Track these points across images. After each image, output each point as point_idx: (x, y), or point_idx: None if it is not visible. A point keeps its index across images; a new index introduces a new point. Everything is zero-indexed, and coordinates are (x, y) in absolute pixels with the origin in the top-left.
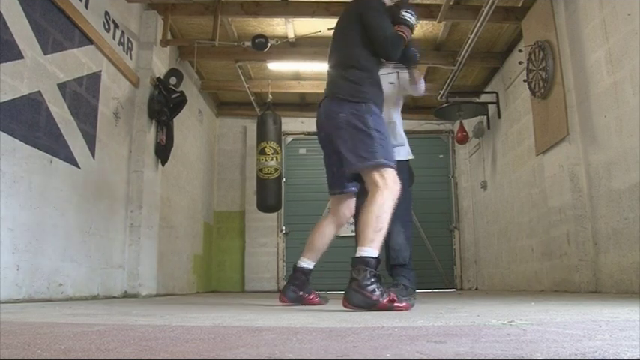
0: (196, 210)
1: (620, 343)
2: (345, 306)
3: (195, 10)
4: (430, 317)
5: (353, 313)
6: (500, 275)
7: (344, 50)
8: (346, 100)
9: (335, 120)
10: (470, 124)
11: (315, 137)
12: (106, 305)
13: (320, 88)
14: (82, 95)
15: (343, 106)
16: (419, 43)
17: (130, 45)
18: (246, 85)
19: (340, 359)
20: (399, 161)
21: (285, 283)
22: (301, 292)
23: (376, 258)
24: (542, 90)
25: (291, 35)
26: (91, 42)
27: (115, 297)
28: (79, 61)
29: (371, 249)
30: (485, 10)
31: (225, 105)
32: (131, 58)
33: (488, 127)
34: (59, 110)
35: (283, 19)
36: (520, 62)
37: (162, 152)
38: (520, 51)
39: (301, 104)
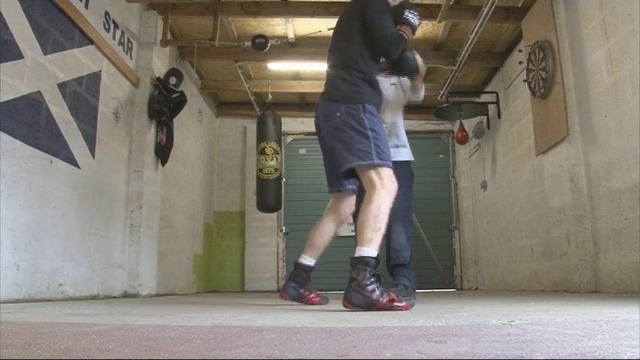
0: (196, 210)
1: (620, 343)
2: (345, 306)
3: (195, 10)
4: (430, 317)
5: (353, 313)
6: (500, 275)
7: (343, 50)
8: (343, 100)
9: (332, 120)
10: (470, 124)
11: (315, 137)
12: (106, 305)
13: (320, 88)
14: (82, 95)
15: (340, 106)
16: (419, 43)
17: (130, 45)
18: (246, 85)
19: (340, 359)
20: (400, 161)
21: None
22: (302, 290)
23: (375, 258)
24: (542, 90)
25: (291, 35)
26: (91, 42)
27: (115, 297)
28: (79, 61)
29: (370, 249)
30: (485, 10)
31: (225, 105)
32: (131, 58)
33: (489, 127)
34: (59, 110)
35: (283, 19)
36: (520, 62)
37: (162, 152)
38: (520, 51)
39: (301, 104)
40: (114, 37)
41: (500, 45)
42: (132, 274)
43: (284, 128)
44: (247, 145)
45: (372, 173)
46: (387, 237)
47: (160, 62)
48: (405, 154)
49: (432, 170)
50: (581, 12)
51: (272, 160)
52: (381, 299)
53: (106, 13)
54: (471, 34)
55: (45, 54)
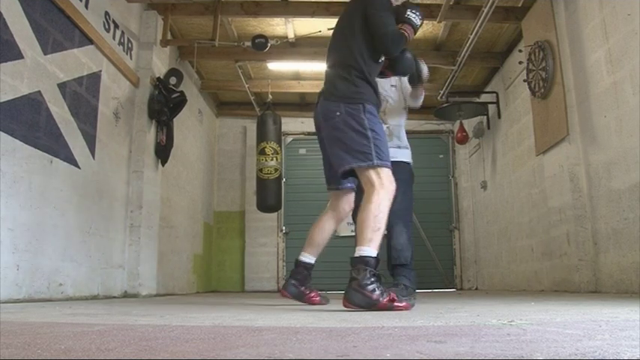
0: (196, 210)
1: (620, 343)
2: (345, 306)
3: (195, 10)
4: (430, 317)
5: (353, 313)
6: (500, 275)
7: (343, 49)
8: (343, 100)
9: (332, 120)
10: (470, 124)
11: (315, 137)
12: (106, 305)
13: (320, 88)
14: (82, 95)
15: (340, 105)
16: (419, 43)
17: (130, 45)
18: (246, 85)
19: (340, 359)
20: (400, 162)
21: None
22: (302, 288)
23: (375, 257)
24: (542, 90)
25: (291, 35)
26: (91, 42)
27: (115, 297)
28: (79, 61)
29: (370, 248)
30: (485, 10)
31: (225, 105)
32: (131, 58)
33: (489, 127)
34: (59, 110)
35: (283, 19)
36: (520, 62)
37: (162, 152)
38: (520, 51)
39: (301, 104)
40: (114, 37)
41: (500, 45)
42: (132, 274)
43: (284, 128)
44: (247, 145)
45: (372, 173)
46: (388, 237)
47: (159, 62)
48: (405, 154)
49: (432, 170)
50: (581, 12)
51: (272, 160)
52: (381, 299)
53: (106, 13)
54: (471, 34)
55: (45, 54)
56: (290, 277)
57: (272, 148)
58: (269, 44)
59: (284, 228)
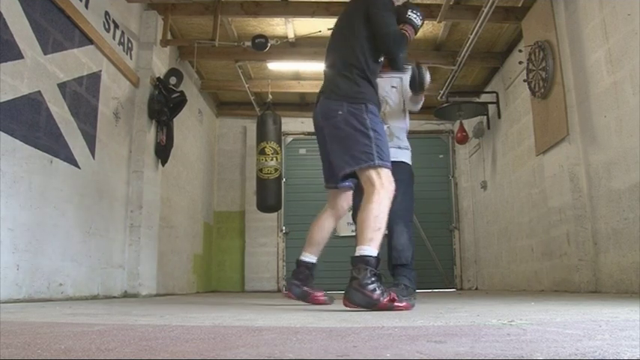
0: (196, 210)
1: (620, 343)
2: (345, 305)
3: (195, 10)
4: (430, 317)
5: (353, 313)
6: (500, 275)
7: (345, 49)
8: (345, 99)
9: (333, 119)
10: (470, 124)
11: (315, 137)
12: (106, 305)
13: (320, 87)
14: (82, 95)
15: (342, 104)
16: (419, 43)
17: (130, 45)
18: (246, 85)
19: (340, 359)
20: (400, 162)
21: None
22: (306, 288)
23: (376, 257)
24: (542, 90)
25: (291, 35)
26: (91, 42)
27: (115, 297)
28: (79, 61)
29: (370, 248)
30: (485, 10)
31: (225, 105)
32: (131, 58)
33: (489, 127)
34: (59, 110)
35: (283, 19)
36: (520, 62)
37: (163, 152)
38: (520, 51)
39: (301, 104)
40: (114, 37)
41: (500, 45)
42: (132, 274)
43: (284, 128)
44: (247, 145)
45: (373, 173)
46: (389, 237)
47: (160, 62)
48: (406, 155)
49: (432, 170)
50: (581, 12)
51: (272, 160)
52: (381, 299)
53: (106, 13)
54: (471, 34)
55: (45, 54)
56: (292, 278)
57: (272, 148)
58: (269, 44)
59: (284, 228)
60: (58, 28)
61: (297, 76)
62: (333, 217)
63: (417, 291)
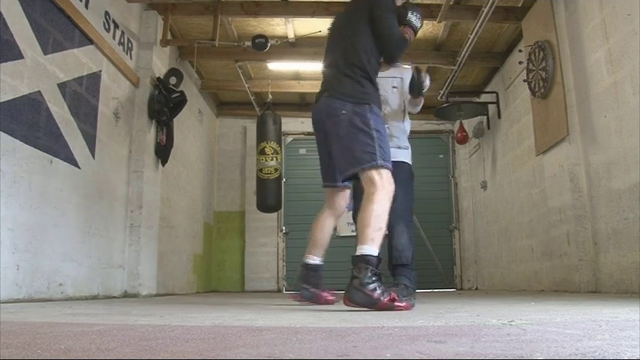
0: (196, 210)
1: (620, 343)
2: (346, 304)
3: (195, 10)
4: (430, 317)
5: (353, 313)
6: (500, 275)
7: (346, 49)
8: (349, 99)
9: (336, 118)
10: (470, 124)
11: (315, 137)
12: (106, 305)
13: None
14: (82, 95)
15: (345, 105)
16: (419, 43)
17: (130, 45)
18: (246, 85)
19: (340, 359)
20: (400, 162)
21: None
22: (314, 290)
23: (377, 257)
24: (542, 90)
25: (291, 35)
26: (91, 42)
27: (115, 297)
28: (79, 61)
29: (371, 247)
30: (485, 10)
31: (225, 105)
32: (131, 58)
33: (489, 127)
34: (59, 110)
35: (283, 19)
36: (520, 62)
37: (163, 152)
38: (520, 51)
39: (301, 104)
40: (114, 37)
41: (500, 45)
42: (132, 274)
43: (284, 128)
44: (247, 145)
45: (374, 173)
46: (389, 237)
47: (160, 62)
48: (405, 154)
49: (432, 170)
50: (581, 12)
51: (272, 160)
52: (382, 298)
53: (106, 13)
54: (471, 34)
55: (45, 54)
56: (301, 282)
57: (272, 148)
58: (269, 44)
59: (284, 228)
60: (58, 28)
61: (297, 76)
62: (333, 217)
63: (417, 291)
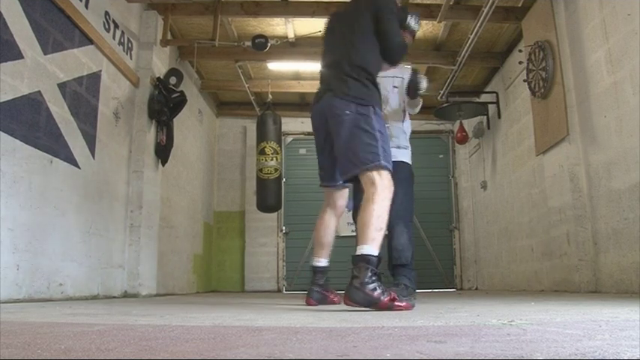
0: (196, 210)
1: (620, 343)
2: (346, 304)
3: (195, 10)
4: (430, 317)
5: (353, 313)
6: (500, 275)
7: (353, 50)
8: (354, 100)
9: (340, 117)
10: (470, 124)
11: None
12: (106, 305)
13: None
14: (82, 95)
15: (349, 105)
16: (419, 43)
17: (130, 45)
18: (246, 85)
19: (340, 359)
20: (400, 162)
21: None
22: (325, 292)
23: (377, 256)
24: (542, 90)
25: (291, 35)
26: (91, 42)
27: (115, 297)
28: (79, 61)
29: (372, 247)
30: (485, 10)
31: (225, 105)
32: (131, 58)
33: (489, 127)
34: (59, 110)
35: (283, 19)
36: (520, 62)
37: (163, 152)
38: (520, 51)
39: (301, 104)
40: (114, 37)
41: (500, 45)
42: (132, 274)
43: (284, 128)
44: (247, 145)
45: (375, 174)
46: (389, 237)
47: (160, 62)
48: (405, 154)
49: (432, 170)
50: (581, 12)
51: (272, 160)
52: (382, 298)
53: (106, 13)
54: (471, 34)
55: (45, 54)
56: (312, 285)
57: (272, 148)
58: (269, 44)
59: (284, 228)
60: (58, 28)
61: (297, 76)
62: (335, 216)
63: (417, 291)
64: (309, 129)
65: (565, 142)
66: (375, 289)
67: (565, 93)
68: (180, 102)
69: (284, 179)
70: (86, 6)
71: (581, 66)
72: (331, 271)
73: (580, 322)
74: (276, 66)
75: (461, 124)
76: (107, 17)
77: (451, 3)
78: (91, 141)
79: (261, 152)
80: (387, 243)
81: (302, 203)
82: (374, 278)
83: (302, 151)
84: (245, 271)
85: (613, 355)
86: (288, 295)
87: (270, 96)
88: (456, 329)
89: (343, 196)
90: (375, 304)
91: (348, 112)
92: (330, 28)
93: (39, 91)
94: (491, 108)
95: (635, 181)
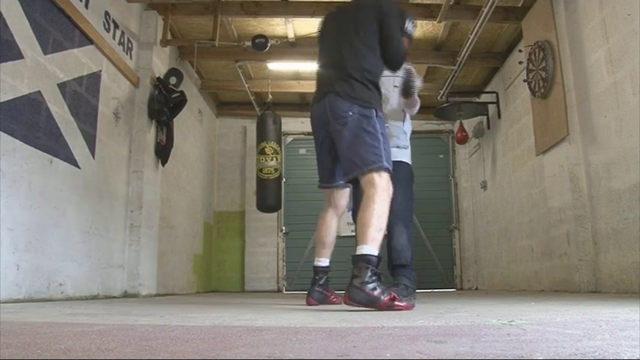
0: (196, 210)
1: (620, 343)
2: (346, 303)
3: (195, 10)
4: (430, 317)
5: (353, 313)
6: (500, 275)
7: (356, 53)
8: (357, 102)
9: (343, 119)
10: (470, 124)
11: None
12: (106, 305)
13: None
14: (82, 95)
15: (353, 107)
16: (419, 43)
17: (130, 45)
18: (246, 85)
19: (340, 359)
20: (400, 162)
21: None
22: (326, 292)
23: (377, 256)
24: (542, 90)
25: (291, 35)
26: (91, 42)
27: (115, 297)
28: (79, 61)
29: (372, 247)
30: (485, 10)
31: (225, 105)
32: (131, 58)
33: (489, 127)
34: (59, 110)
35: (283, 19)
36: (520, 62)
37: (163, 152)
38: (520, 51)
39: (301, 104)
40: (114, 37)
41: (500, 45)
42: (132, 274)
43: (284, 128)
44: (247, 145)
45: (375, 175)
46: (389, 237)
47: (160, 62)
48: (405, 154)
49: (432, 170)
50: (581, 12)
51: (272, 160)
52: (382, 297)
53: (106, 13)
54: (471, 34)
55: (45, 54)
56: (313, 285)
57: (272, 148)
58: (269, 44)
59: (284, 228)
60: (58, 28)
61: (297, 76)
62: (336, 216)
63: (417, 291)
64: (309, 129)
65: (565, 142)
66: (375, 288)
67: (565, 93)
68: (180, 102)
69: (284, 179)
70: (86, 6)
71: (581, 66)
72: (331, 271)
73: (580, 322)
74: (276, 66)
75: (461, 124)
76: (107, 17)
77: (451, 3)
78: (91, 141)
79: (261, 152)
80: (386, 243)
81: (302, 203)
82: (374, 278)
83: (302, 151)
84: (245, 271)
85: (613, 355)
86: (288, 295)
87: (270, 96)
88: (456, 329)
89: (344, 196)
90: (375, 304)
91: (351, 113)
92: (327, 28)
93: (39, 91)
94: (491, 108)
95: (635, 181)
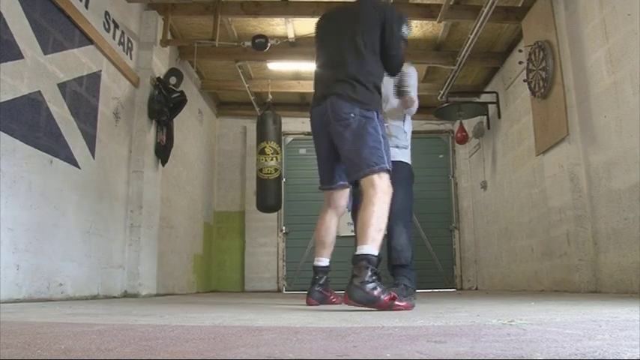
0: (196, 210)
1: (620, 343)
2: (346, 303)
3: (195, 10)
4: (430, 317)
5: (353, 313)
6: (500, 275)
7: (359, 55)
8: (360, 104)
9: (345, 120)
10: (470, 124)
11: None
12: (106, 305)
13: None
14: (82, 95)
15: (354, 108)
16: (419, 43)
17: (130, 45)
18: (246, 85)
19: (340, 359)
20: (399, 162)
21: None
22: (326, 292)
23: (377, 256)
24: (542, 90)
25: (291, 35)
26: (91, 42)
27: (115, 297)
28: (79, 61)
29: (372, 247)
30: (485, 10)
31: (225, 105)
32: (131, 58)
33: (489, 127)
34: (59, 110)
35: (283, 19)
36: (520, 62)
37: (163, 152)
38: (520, 51)
39: (301, 104)
40: (114, 37)
41: (500, 45)
42: (132, 274)
43: (284, 128)
44: (247, 145)
45: (375, 176)
46: (389, 237)
47: (160, 62)
48: (404, 154)
49: (432, 170)
50: (581, 12)
51: (272, 160)
52: (382, 297)
53: (106, 13)
54: (471, 34)
55: (45, 54)
56: (313, 284)
57: (272, 148)
58: (269, 44)
59: (284, 228)
60: (58, 28)
61: (297, 76)
62: (336, 216)
63: (417, 291)
64: (309, 129)
65: (565, 142)
66: (375, 288)
67: (565, 93)
68: (180, 102)
69: (284, 179)
70: (86, 6)
71: (581, 66)
72: (331, 271)
73: (580, 322)
74: (276, 66)
75: (461, 124)
76: (107, 17)
77: (451, 3)
78: (91, 141)
79: (261, 152)
80: (386, 243)
81: (302, 203)
82: (374, 278)
83: (302, 151)
84: (245, 271)
85: (613, 355)
86: (288, 295)
87: (270, 96)
88: (456, 329)
89: (344, 196)
90: (375, 303)
91: (352, 114)
92: (326, 28)
93: (39, 91)
94: (491, 108)
95: (635, 181)
